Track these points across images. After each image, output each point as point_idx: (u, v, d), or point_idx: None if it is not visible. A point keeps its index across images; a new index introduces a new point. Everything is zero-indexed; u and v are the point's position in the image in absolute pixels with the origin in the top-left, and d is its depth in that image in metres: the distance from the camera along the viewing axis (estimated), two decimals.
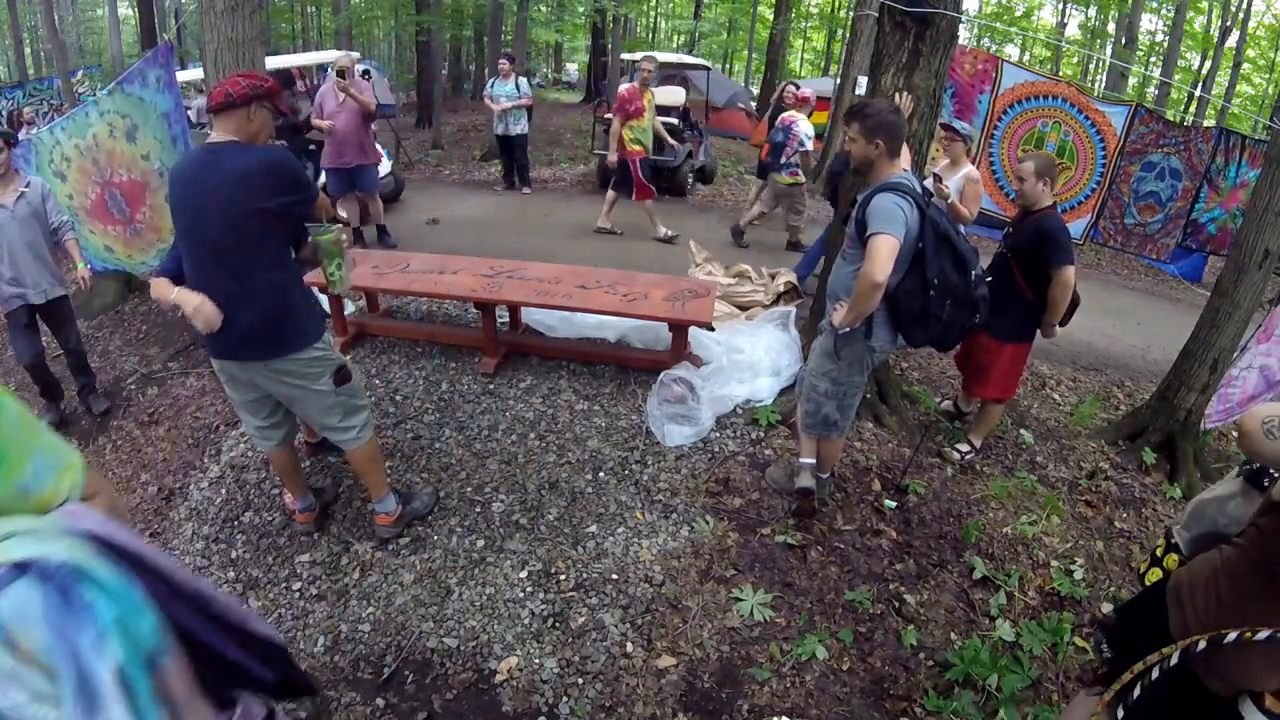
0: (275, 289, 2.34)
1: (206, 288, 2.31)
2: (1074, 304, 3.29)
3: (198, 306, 2.26)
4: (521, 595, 2.72)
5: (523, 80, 8.41)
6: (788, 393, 3.78)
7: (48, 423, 3.67)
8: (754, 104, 16.60)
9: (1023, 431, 3.94)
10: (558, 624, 2.62)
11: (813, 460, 3.01)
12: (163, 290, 2.38)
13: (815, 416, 2.89)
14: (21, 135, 5.74)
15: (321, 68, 8.40)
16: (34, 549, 0.77)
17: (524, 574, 2.80)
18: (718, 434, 3.57)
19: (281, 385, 2.51)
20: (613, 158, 6.68)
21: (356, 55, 5.99)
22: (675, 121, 8.69)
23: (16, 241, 3.63)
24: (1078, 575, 3.02)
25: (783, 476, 3.26)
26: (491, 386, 3.91)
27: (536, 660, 2.49)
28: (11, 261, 3.64)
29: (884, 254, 2.36)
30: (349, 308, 4.50)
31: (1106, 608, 2.85)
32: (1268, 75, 22.60)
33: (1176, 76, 18.37)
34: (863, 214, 2.48)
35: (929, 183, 3.79)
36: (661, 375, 3.66)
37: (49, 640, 0.74)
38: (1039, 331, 3.37)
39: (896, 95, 3.17)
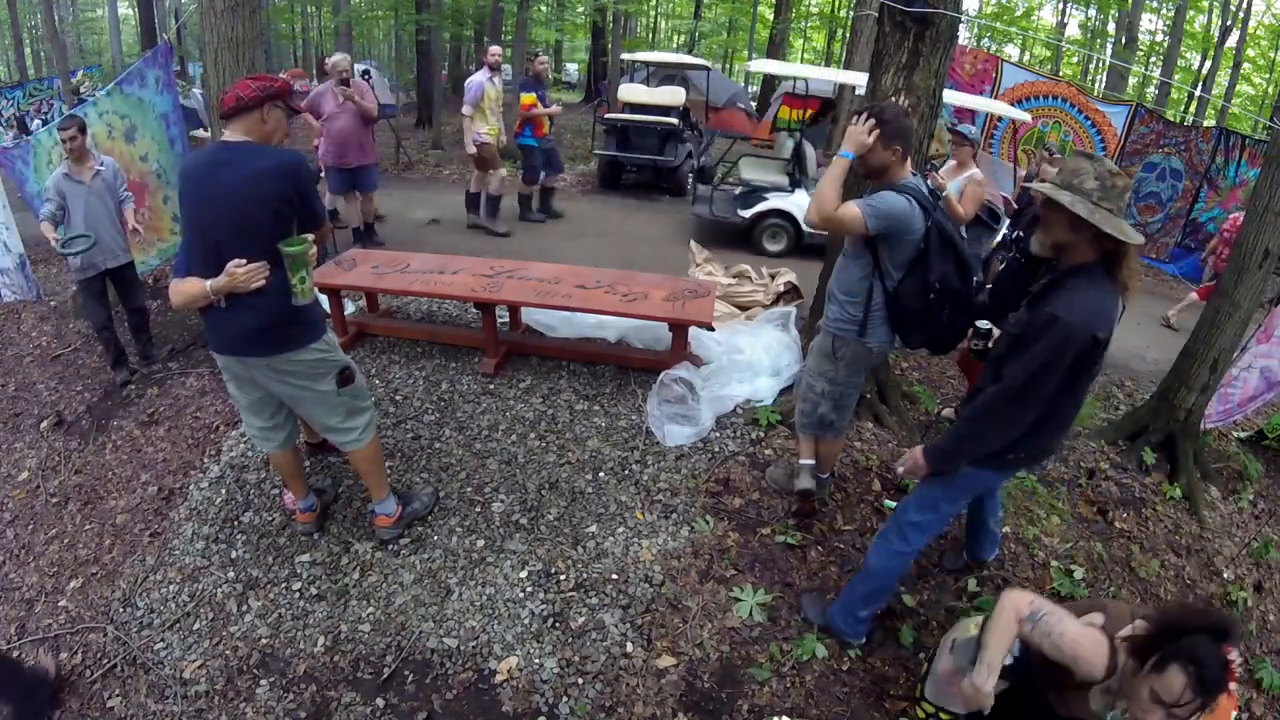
0: (279, 288, 2.33)
1: None
2: None
3: (246, 275, 2.23)
4: (521, 595, 2.72)
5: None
6: (788, 393, 3.78)
7: (119, 382, 4.19)
8: (754, 104, 16.59)
9: None
10: (558, 624, 2.62)
11: (812, 461, 3.01)
12: (193, 288, 2.29)
13: (811, 416, 2.89)
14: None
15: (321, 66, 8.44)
16: None
17: (524, 574, 2.80)
18: (718, 434, 3.57)
19: (284, 385, 2.51)
20: None
21: (348, 57, 6.04)
22: (675, 121, 8.68)
23: (95, 212, 4.02)
24: (1078, 575, 3.02)
25: (783, 477, 3.26)
26: (491, 386, 3.91)
27: (536, 660, 2.49)
28: (90, 231, 4.00)
29: (847, 215, 2.39)
30: (349, 308, 4.50)
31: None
32: (1268, 75, 22.57)
33: (1176, 76, 18.35)
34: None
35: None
36: (661, 375, 3.66)
37: None
38: None
39: (896, 96, 3.17)
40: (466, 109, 6.37)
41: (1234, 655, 1.70)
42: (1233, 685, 1.74)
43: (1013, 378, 1.99)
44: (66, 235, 3.94)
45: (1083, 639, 1.82)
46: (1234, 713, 1.81)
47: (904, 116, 2.49)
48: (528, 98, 6.76)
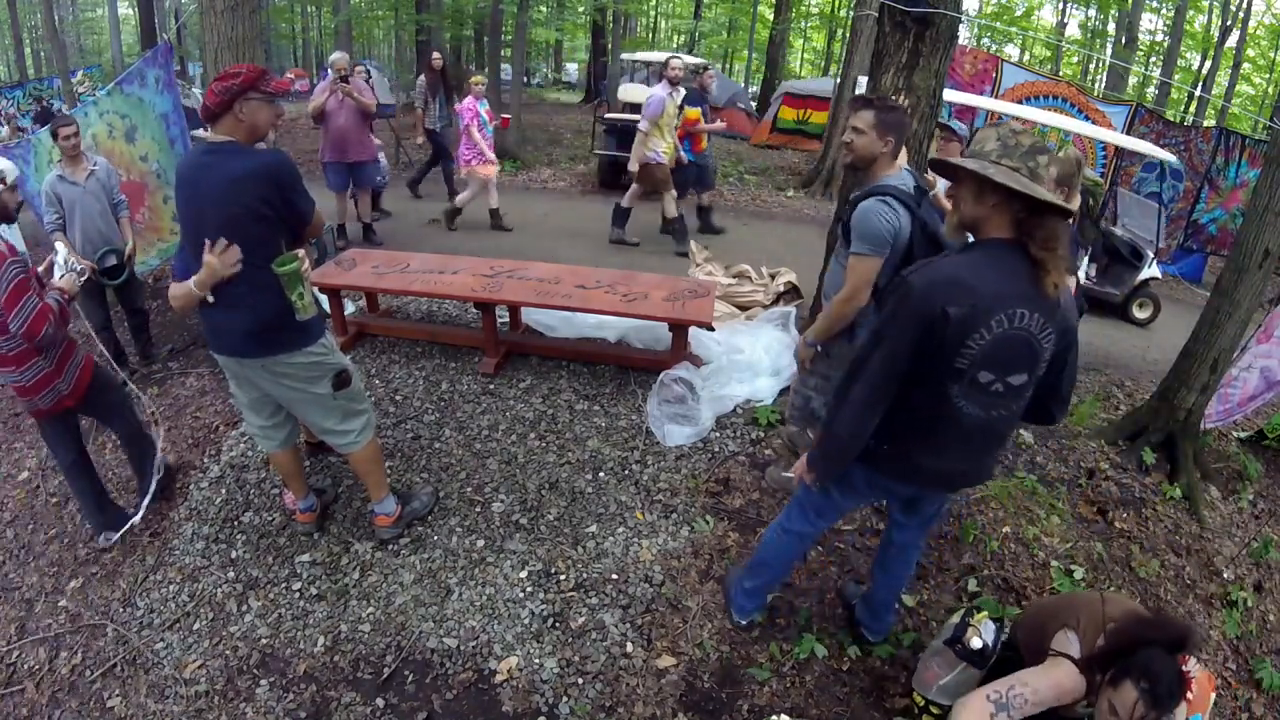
0: (271, 290, 2.32)
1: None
2: (1079, 312, 3.26)
3: (219, 261, 2.23)
4: (521, 595, 2.72)
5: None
6: (788, 393, 3.78)
7: (119, 382, 4.08)
8: (754, 104, 16.59)
9: (1022, 431, 3.93)
10: (558, 624, 2.62)
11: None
12: (184, 288, 2.34)
13: (803, 410, 2.90)
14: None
15: (321, 66, 8.49)
16: None
17: (524, 574, 2.80)
18: (718, 434, 3.57)
19: (279, 386, 2.51)
20: None
21: (345, 55, 6.05)
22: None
23: (90, 214, 4.02)
24: (1078, 575, 3.02)
25: (783, 476, 3.26)
26: (491, 386, 3.91)
27: (536, 660, 2.49)
28: (85, 233, 4.02)
29: (862, 277, 2.35)
30: (349, 308, 4.50)
31: None
32: (1268, 75, 22.59)
33: (1176, 76, 18.36)
34: (849, 218, 2.43)
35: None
36: (661, 375, 3.66)
37: None
38: None
39: (896, 95, 3.17)
40: (644, 124, 6.00)
41: (1191, 664, 1.70)
42: (1195, 670, 1.75)
43: (861, 346, 1.81)
44: (91, 251, 3.98)
45: (1058, 683, 1.82)
46: (1212, 694, 1.83)
47: (903, 111, 2.46)
48: (693, 112, 6.45)
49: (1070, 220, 1.81)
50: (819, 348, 2.68)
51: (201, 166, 2.26)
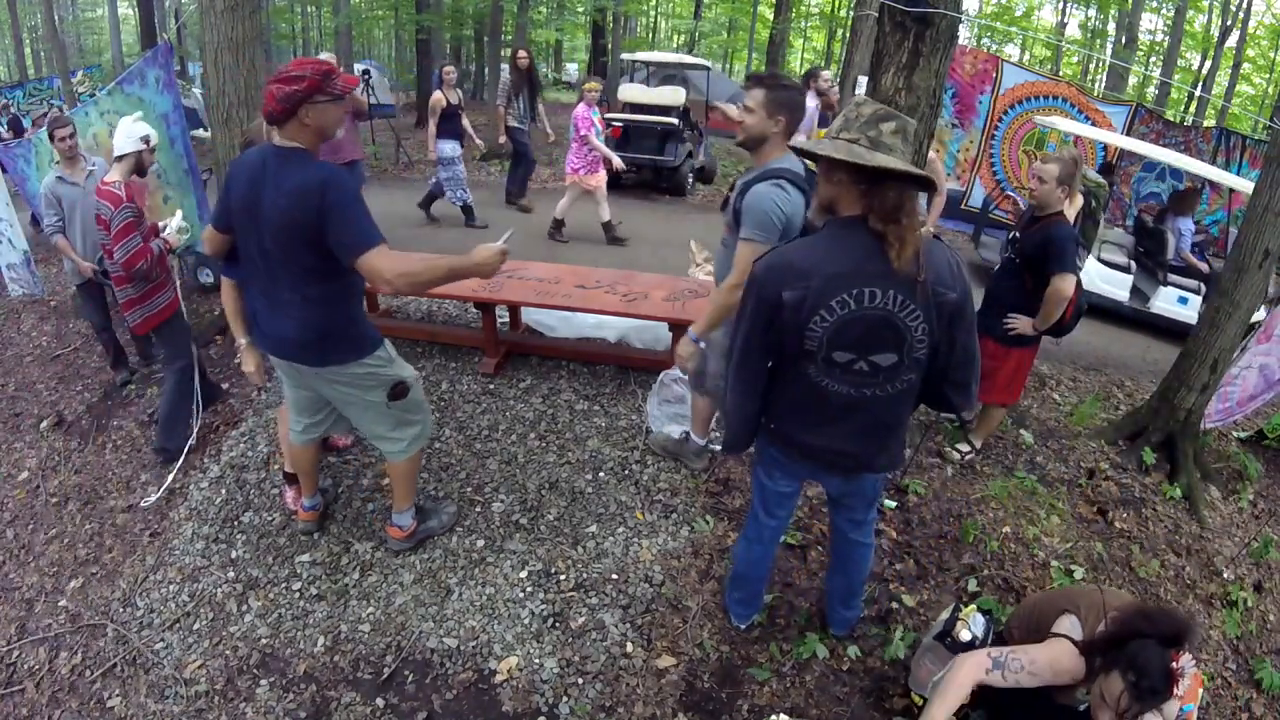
0: (320, 303, 2.24)
1: (257, 287, 2.32)
2: (1078, 312, 3.27)
3: (250, 373, 2.64)
4: (521, 595, 2.72)
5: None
6: None
7: (119, 382, 4.30)
8: None
9: (1023, 431, 3.94)
10: (558, 624, 2.62)
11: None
12: (231, 306, 2.63)
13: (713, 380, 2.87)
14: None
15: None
16: None
17: (524, 574, 2.80)
18: (718, 434, 3.57)
19: (332, 389, 2.46)
20: None
21: (334, 56, 6.08)
22: (675, 121, 8.69)
23: (90, 213, 3.94)
24: (1078, 575, 3.02)
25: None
26: (491, 386, 3.91)
27: (536, 660, 2.49)
28: (86, 233, 4.01)
29: (750, 264, 2.22)
30: None
31: None
32: (1268, 75, 22.58)
33: (1176, 76, 18.37)
34: (740, 204, 2.36)
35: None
36: (661, 375, 3.66)
37: None
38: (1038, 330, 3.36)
39: (896, 95, 3.16)
40: (801, 138, 5.85)
41: (1184, 660, 1.71)
42: (1190, 667, 1.75)
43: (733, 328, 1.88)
44: (91, 251, 3.98)
45: (1055, 659, 1.85)
46: (1200, 690, 1.85)
47: (796, 90, 2.38)
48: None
49: (934, 197, 1.79)
50: (701, 343, 2.61)
51: (265, 169, 2.12)
